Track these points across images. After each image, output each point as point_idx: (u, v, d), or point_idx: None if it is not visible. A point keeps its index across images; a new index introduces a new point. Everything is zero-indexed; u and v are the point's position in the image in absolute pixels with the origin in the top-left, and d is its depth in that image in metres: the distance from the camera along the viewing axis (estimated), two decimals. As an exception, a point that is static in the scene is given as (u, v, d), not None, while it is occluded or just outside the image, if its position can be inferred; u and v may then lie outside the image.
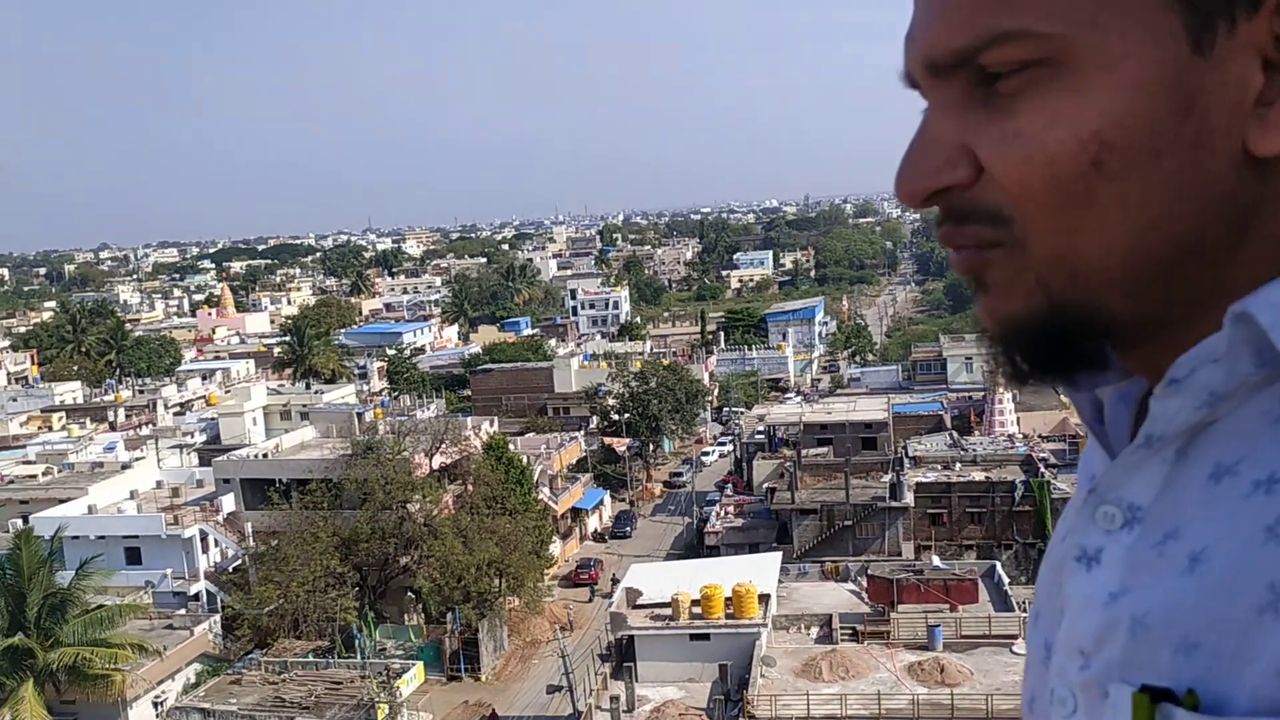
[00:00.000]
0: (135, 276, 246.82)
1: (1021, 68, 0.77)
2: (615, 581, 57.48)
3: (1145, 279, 0.79)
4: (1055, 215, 0.79)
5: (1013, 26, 0.76)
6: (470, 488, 52.20)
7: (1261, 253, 0.77)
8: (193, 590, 49.55)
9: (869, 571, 43.72)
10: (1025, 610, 39.80)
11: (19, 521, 49.57)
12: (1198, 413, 0.77)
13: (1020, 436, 61.19)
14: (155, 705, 39.98)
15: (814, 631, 39.21)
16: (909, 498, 52.20)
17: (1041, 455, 55.92)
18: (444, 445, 53.30)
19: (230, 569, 50.79)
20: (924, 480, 54.58)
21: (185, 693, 41.14)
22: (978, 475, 54.79)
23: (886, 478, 54.46)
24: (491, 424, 63.43)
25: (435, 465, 52.35)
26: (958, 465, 56.52)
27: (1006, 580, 43.08)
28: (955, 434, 63.52)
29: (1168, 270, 0.79)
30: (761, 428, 69.57)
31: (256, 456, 56.75)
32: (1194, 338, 0.78)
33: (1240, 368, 0.75)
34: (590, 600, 54.74)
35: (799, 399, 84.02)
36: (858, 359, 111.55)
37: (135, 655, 38.09)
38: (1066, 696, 0.83)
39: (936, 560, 45.93)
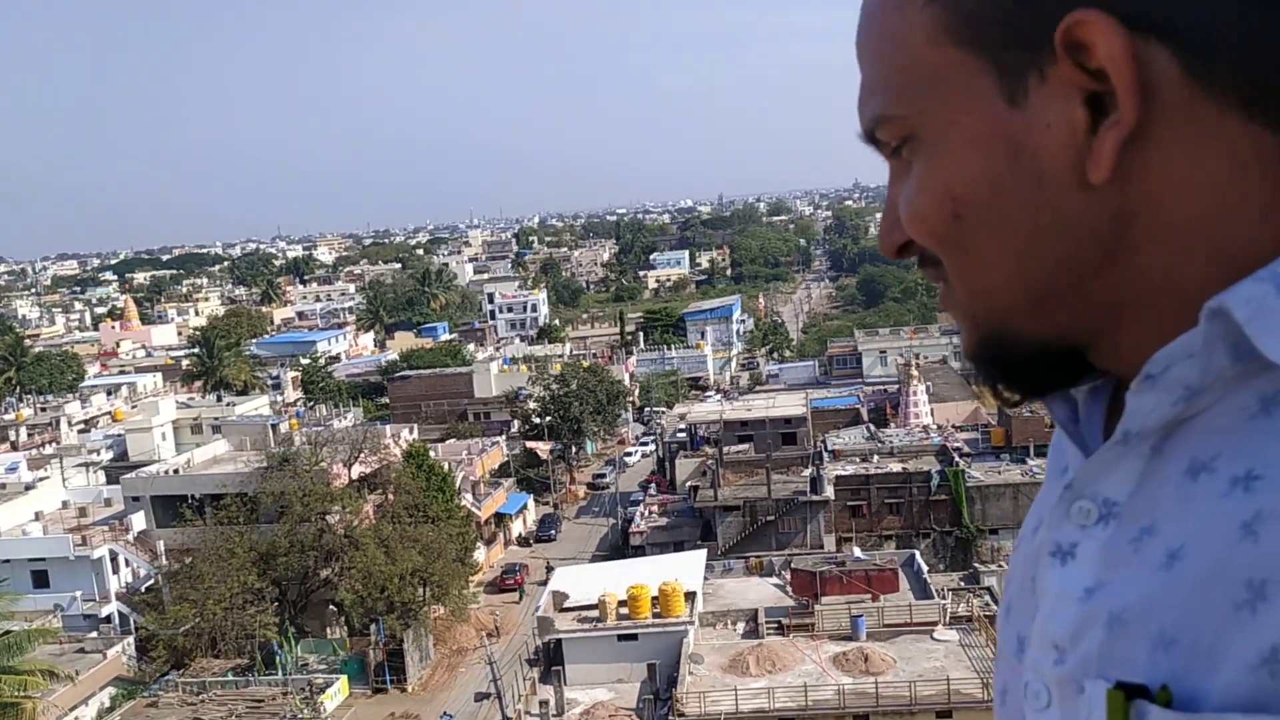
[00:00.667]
0: (33, 290, 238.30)
1: (904, 142, 0.89)
2: (550, 569, 58.33)
3: (1042, 302, 0.86)
4: (952, 261, 0.89)
5: (881, 111, 0.89)
6: (391, 497, 51.59)
7: (1165, 251, 0.81)
8: (104, 612, 48.09)
9: (792, 565, 44.30)
10: (944, 597, 40.78)
11: (-85, 548, 47.59)
12: (1174, 408, 0.78)
13: (935, 427, 62.55)
14: (68, 733, 38.75)
15: (740, 627, 39.59)
16: (829, 491, 52.99)
17: (955, 445, 57.27)
18: (363, 454, 52.58)
19: (143, 589, 49.42)
20: (843, 473, 55.45)
21: (100, 718, 39.98)
22: (895, 467, 55.87)
23: (807, 472, 55.23)
24: (411, 431, 62.73)
25: (354, 475, 51.59)
26: (875, 457, 57.55)
27: (925, 568, 44.04)
28: (872, 427, 64.68)
29: (1060, 291, 0.85)
30: (683, 426, 69.99)
31: (167, 472, 55.27)
32: (1143, 334, 0.83)
33: (1216, 362, 0.76)
34: (520, 601, 54.41)
35: (719, 397, 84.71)
36: (775, 356, 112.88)
37: (46, 681, 36.82)
38: (1041, 690, 0.84)
39: (857, 551, 46.76)
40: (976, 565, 48.79)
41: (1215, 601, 0.72)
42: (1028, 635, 0.87)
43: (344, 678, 42.01)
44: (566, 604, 39.60)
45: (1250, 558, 0.71)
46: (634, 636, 37.73)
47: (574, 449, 78.70)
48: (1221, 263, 0.79)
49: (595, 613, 38.49)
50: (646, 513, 59.39)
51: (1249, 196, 0.78)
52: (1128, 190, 0.80)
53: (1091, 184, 0.80)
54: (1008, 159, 0.83)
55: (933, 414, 64.68)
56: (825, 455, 58.03)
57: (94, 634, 45.13)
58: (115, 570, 49.82)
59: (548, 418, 75.94)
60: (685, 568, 41.99)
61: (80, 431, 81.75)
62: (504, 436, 73.39)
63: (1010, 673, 0.90)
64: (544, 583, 52.43)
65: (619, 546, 59.52)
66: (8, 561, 47.47)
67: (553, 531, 64.79)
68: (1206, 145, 0.78)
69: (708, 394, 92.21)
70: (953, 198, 0.87)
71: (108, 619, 47.84)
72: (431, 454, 56.98)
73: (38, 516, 53.99)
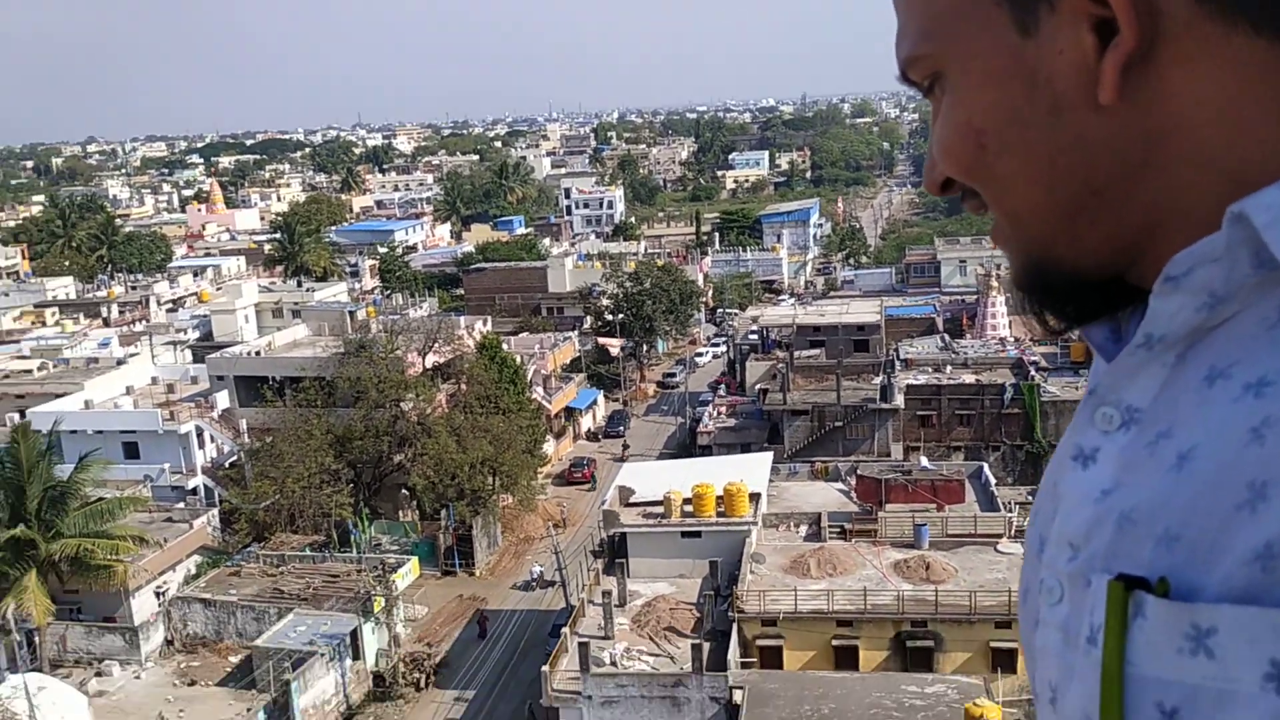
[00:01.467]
0: (124, 171, 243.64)
1: (934, 80, 0.96)
2: (626, 446, 60.88)
3: (1074, 224, 0.89)
4: (985, 190, 0.94)
5: (910, 53, 0.96)
6: (463, 387, 52.52)
7: (1187, 168, 0.84)
8: (190, 485, 50.14)
9: (858, 471, 44.34)
10: (1011, 510, 40.55)
11: (16, 416, 49.88)
12: (1198, 314, 0.81)
13: (1011, 340, 61.44)
14: (157, 595, 40.79)
15: (803, 530, 39.92)
16: (899, 400, 52.65)
17: (1032, 359, 56.25)
18: (437, 344, 53.42)
19: (227, 464, 51.35)
20: (914, 383, 54.98)
21: (186, 583, 41.98)
22: (968, 378, 55.18)
23: (877, 380, 54.86)
24: (485, 323, 63.49)
25: (428, 364, 52.53)
26: (948, 368, 56.87)
27: (993, 481, 43.73)
28: (947, 337, 63.77)
29: (1090, 211, 0.88)
30: (755, 329, 69.79)
31: (249, 354, 56.89)
32: (1174, 251, 0.83)
33: (1239, 269, 0.78)
34: (593, 489, 55.40)
35: (792, 301, 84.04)
36: (852, 261, 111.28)
37: (136, 547, 38.72)
38: (1054, 586, 0.88)
39: (925, 461, 46.58)
40: (1045, 481, 48.25)
41: (1218, 501, 0.75)
42: (1048, 536, 0.90)
43: (415, 559, 43.43)
44: (632, 499, 40.23)
45: (1255, 460, 0.74)
46: (697, 534, 38.29)
47: (645, 347, 79.03)
48: (1243, 176, 0.81)
49: (660, 509, 39.07)
50: (715, 413, 59.71)
51: (1267, 111, 0.80)
52: (1144, 111, 0.83)
53: (1104, 106, 0.83)
54: (1025, 88, 0.87)
55: (1010, 326, 63.48)
56: (897, 364, 57.51)
57: (181, 505, 47.13)
58: (201, 445, 51.78)
59: (620, 315, 76.18)
60: (751, 469, 42.24)
61: (168, 311, 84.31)
62: (576, 332, 73.92)
63: (1032, 572, 0.93)
64: (621, 459, 55.33)
65: (686, 445, 60.08)
66: (100, 432, 49.55)
67: (621, 428, 65.60)
68: (1216, 63, 0.80)
69: (781, 298, 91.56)
70: (975, 129, 0.90)
71: (194, 491, 49.91)
72: (504, 347, 57.73)
73: (128, 391, 56.12)
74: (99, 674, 37.80)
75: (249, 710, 34.93)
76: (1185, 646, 0.74)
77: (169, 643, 39.87)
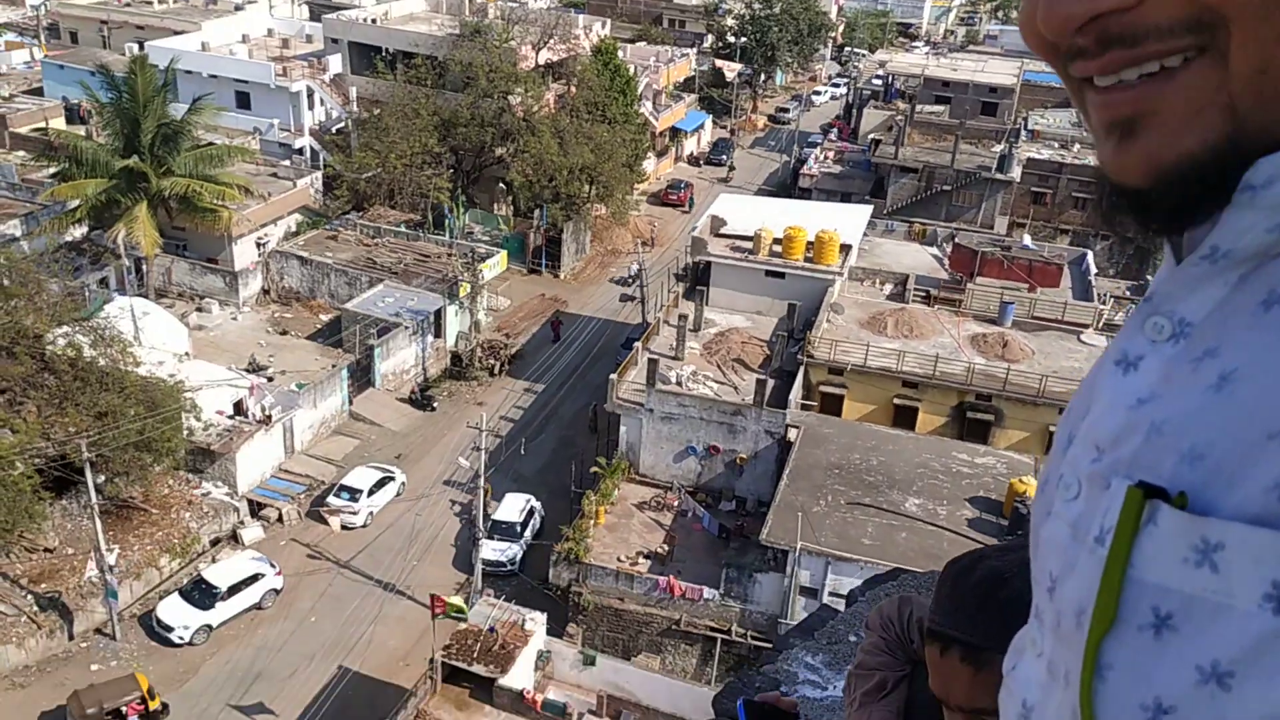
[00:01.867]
0: None
1: None
2: (733, 169, 61.22)
3: None
4: (1245, 27, 0.72)
5: None
6: (573, 90, 51.57)
7: None
8: (297, 144, 50.96)
9: (956, 240, 43.41)
10: (1105, 302, 39.64)
11: (134, 47, 50.41)
12: (1269, 235, 0.75)
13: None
14: (258, 246, 42.52)
15: (887, 289, 39.69)
16: (1016, 172, 50.63)
17: (1167, 152, 53.24)
18: (552, 41, 52.05)
19: (333, 130, 51.87)
20: (1036, 157, 52.63)
21: (285, 239, 43.59)
22: (1095, 160, 52.64)
23: (998, 148, 52.60)
24: (603, 26, 61.38)
25: (541, 60, 51.42)
26: (1077, 146, 54.16)
27: (1094, 271, 42.54)
28: (1083, 114, 60.33)
29: None
30: (880, 75, 66.58)
31: (366, 20, 56.07)
32: None
33: None
34: (687, 212, 55.31)
35: (927, 49, 79.41)
36: (1001, 14, 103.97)
37: (241, 196, 39.99)
38: (1073, 483, 0.87)
39: (1027, 240, 45.31)
40: (1149, 279, 46.93)
41: (1250, 428, 0.73)
42: (1077, 434, 0.89)
43: (504, 252, 44.35)
44: (723, 230, 40.10)
45: None
46: (781, 275, 38.31)
47: (763, 77, 76.21)
48: None
49: (749, 244, 38.97)
50: (822, 157, 58.22)
51: None
52: None
53: None
54: None
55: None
56: (1023, 134, 54.90)
57: (286, 162, 48.13)
58: (310, 107, 52.17)
59: (743, 39, 73.05)
60: (847, 220, 41.57)
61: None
62: (695, 50, 71.26)
63: (1054, 465, 0.93)
64: (726, 180, 55.62)
65: (786, 186, 59.07)
66: (215, 77, 50.02)
67: (724, 157, 64.44)
68: None
69: (915, 44, 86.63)
70: None
71: (299, 151, 50.80)
72: (620, 54, 56.04)
73: (244, 39, 56.12)
74: (199, 309, 40.20)
75: (334, 366, 37.12)
76: (1191, 558, 0.74)
77: (265, 292, 41.96)
